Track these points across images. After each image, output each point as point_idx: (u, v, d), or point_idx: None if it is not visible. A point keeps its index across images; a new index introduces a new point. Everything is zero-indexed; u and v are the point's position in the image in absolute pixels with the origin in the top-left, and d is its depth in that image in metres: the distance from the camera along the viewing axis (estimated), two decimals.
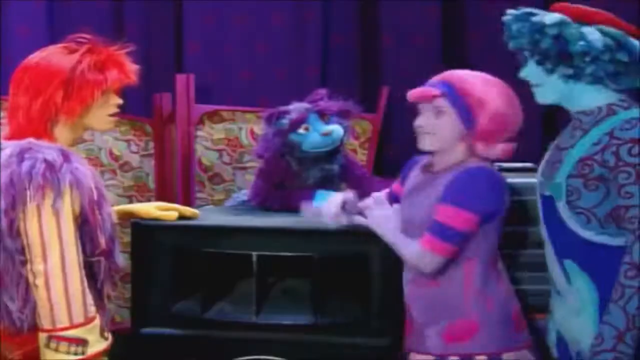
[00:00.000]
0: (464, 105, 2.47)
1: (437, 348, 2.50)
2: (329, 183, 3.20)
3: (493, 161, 2.55)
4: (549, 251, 2.41)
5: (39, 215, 2.30)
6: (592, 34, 2.26)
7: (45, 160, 2.31)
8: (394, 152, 3.95)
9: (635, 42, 2.28)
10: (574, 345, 2.39)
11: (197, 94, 3.91)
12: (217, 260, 2.84)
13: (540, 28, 2.29)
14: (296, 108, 3.17)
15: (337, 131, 3.15)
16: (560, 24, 2.27)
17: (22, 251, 2.33)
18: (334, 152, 3.19)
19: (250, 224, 2.94)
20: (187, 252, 2.88)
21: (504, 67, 4.00)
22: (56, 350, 2.30)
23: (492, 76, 2.54)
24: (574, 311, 2.36)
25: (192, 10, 4.04)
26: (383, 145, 3.98)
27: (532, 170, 3.01)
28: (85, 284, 2.34)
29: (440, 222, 2.42)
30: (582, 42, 2.25)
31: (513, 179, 2.87)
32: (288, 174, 3.20)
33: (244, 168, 3.95)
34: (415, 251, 2.46)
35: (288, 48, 4.06)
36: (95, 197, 2.40)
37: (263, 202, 3.19)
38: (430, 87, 2.52)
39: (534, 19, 2.31)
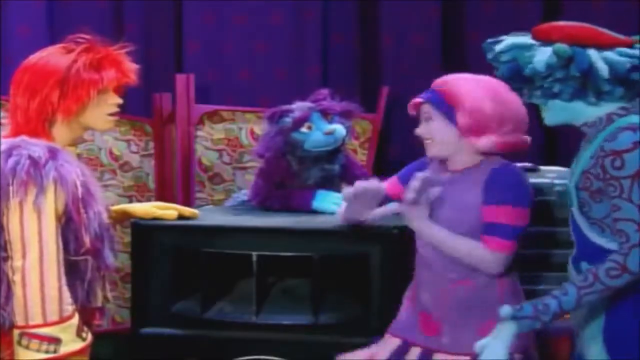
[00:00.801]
0: (446, 106, 2.51)
1: (467, 347, 2.41)
2: (330, 183, 3.20)
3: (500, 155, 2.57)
4: (573, 251, 2.41)
5: (21, 212, 2.29)
6: (542, 54, 2.26)
7: (30, 157, 2.30)
8: (394, 152, 3.96)
9: (586, 55, 2.24)
10: (581, 345, 2.39)
11: (197, 94, 3.92)
12: (217, 260, 2.84)
13: (496, 56, 2.34)
14: (299, 107, 3.18)
15: (339, 130, 3.15)
16: (511, 48, 2.30)
17: (4, 247, 2.32)
18: (335, 152, 3.19)
19: (250, 224, 2.94)
20: (187, 252, 2.88)
21: None
22: (27, 347, 2.27)
23: (489, 76, 2.55)
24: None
25: (192, 10, 4.04)
26: (383, 145, 3.99)
27: (532, 171, 3.01)
28: (63, 282, 2.31)
29: (496, 223, 2.46)
30: (530, 65, 2.27)
31: None
32: (288, 174, 3.20)
33: (244, 168, 3.96)
34: (480, 253, 2.48)
35: (288, 48, 4.06)
36: (81, 195, 2.37)
37: (263, 201, 3.19)
38: (417, 98, 2.57)
39: (495, 47, 2.35)
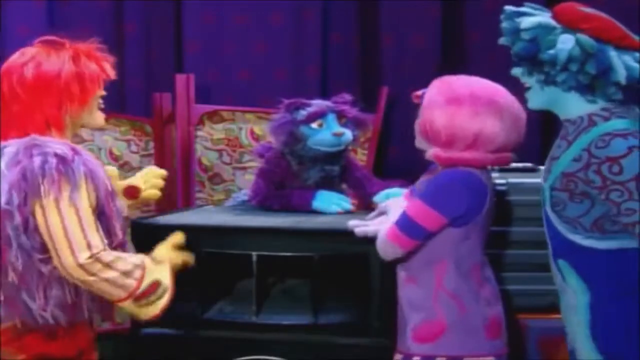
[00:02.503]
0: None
1: (405, 346, 2.52)
2: (330, 184, 3.20)
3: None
4: (549, 249, 2.41)
5: (59, 209, 2.31)
6: (565, 42, 2.22)
7: (56, 154, 2.32)
8: (394, 152, 3.96)
9: (608, 56, 2.22)
10: (571, 341, 2.40)
11: (197, 94, 3.92)
12: (217, 260, 2.84)
13: (517, 30, 2.28)
14: (317, 103, 3.19)
15: (347, 135, 3.16)
16: (536, 28, 2.25)
17: (40, 249, 2.34)
18: (336, 155, 3.19)
19: (250, 224, 2.94)
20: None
21: (504, 67, 4.00)
22: (149, 304, 2.44)
23: (492, 82, 2.54)
24: (572, 307, 2.36)
25: (192, 10, 4.05)
26: (383, 145, 3.99)
27: (532, 171, 3.01)
28: (117, 253, 2.40)
29: (408, 215, 2.44)
30: (551, 51, 2.22)
31: (512, 179, 2.88)
32: (288, 174, 3.20)
33: (244, 168, 3.96)
34: (380, 237, 2.50)
35: (288, 48, 4.06)
36: (110, 188, 2.43)
37: (263, 201, 3.19)
38: (420, 90, 2.57)
39: (517, 19, 2.29)
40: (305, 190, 3.14)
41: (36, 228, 2.33)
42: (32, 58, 2.46)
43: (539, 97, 2.35)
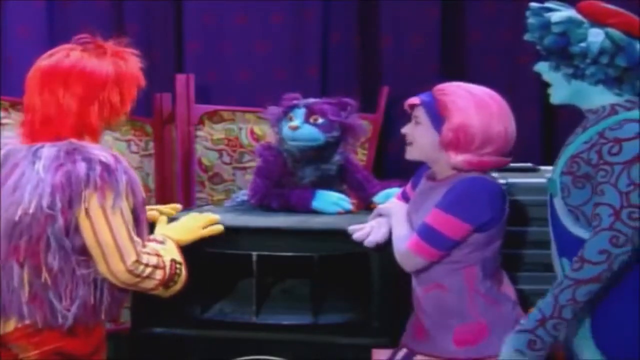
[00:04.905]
0: (437, 116, 2.51)
1: (447, 351, 2.51)
2: (328, 183, 3.19)
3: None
4: (553, 250, 2.41)
5: (106, 217, 2.35)
6: (596, 36, 2.25)
7: (101, 162, 2.35)
8: (394, 152, 3.96)
9: (637, 49, 2.26)
10: (569, 342, 2.39)
11: (197, 94, 3.91)
12: (217, 260, 2.84)
13: (547, 24, 2.30)
14: (289, 97, 3.21)
15: (308, 131, 3.10)
16: (566, 22, 2.27)
17: (80, 251, 2.38)
18: (322, 154, 3.17)
19: (250, 224, 2.94)
20: (187, 252, 2.87)
21: (503, 67, 4.01)
22: (174, 284, 2.54)
23: (489, 92, 2.54)
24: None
25: (192, 10, 4.04)
26: (383, 145, 3.98)
27: (532, 171, 3.01)
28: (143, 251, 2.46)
29: (431, 226, 2.45)
30: (582, 44, 2.25)
31: (512, 179, 2.88)
32: (285, 172, 3.19)
33: (244, 168, 3.96)
34: (401, 248, 2.50)
35: (288, 48, 4.06)
36: (144, 195, 2.49)
37: (262, 200, 3.18)
38: (415, 97, 2.57)
39: (546, 14, 2.31)
40: (305, 190, 3.14)
41: (77, 230, 2.36)
42: (77, 61, 2.45)
43: (564, 91, 2.36)
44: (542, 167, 3.09)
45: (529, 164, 3.04)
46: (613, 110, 2.30)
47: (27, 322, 2.41)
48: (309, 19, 4.03)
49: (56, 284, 2.39)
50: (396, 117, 3.90)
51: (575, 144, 2.31)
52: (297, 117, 3.12)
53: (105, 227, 2.35)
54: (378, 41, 4.04)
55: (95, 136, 2.46)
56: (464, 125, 2.46)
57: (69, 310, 2.40)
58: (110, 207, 2.34)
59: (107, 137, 3.91)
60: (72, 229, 2.36)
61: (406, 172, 2.97)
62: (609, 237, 2.18)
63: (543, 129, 3.86)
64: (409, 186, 2.81)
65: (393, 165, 3.91)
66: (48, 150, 2.38)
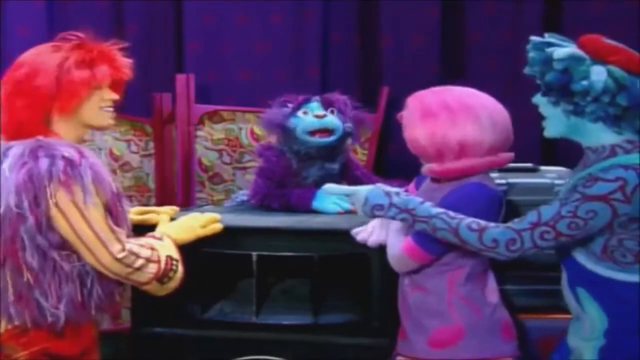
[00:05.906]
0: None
1: (423, 353, 2.52)
2: (329, 183, 3.19)
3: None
4: (563, 278, 2.40)
5: (79, 210, 2.34)
6: (598, 74, 2.22)
7: (64, 157, 2.33)
8: (394, 152, 3.96)
9: (638, 88, 2.23)
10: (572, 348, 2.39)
11: (197, 94, 3.92)
12: (217, 260, 2.84)
13: (548, 60, 2.27)
14: (291, 98, 3.21)
15: (332, 121, 3.13)
16: (568, 59, 2.24)
17: (59, 246, 2.37)
18: (334, 150, 3.18)
19: (250, 224, 2.94)
20: (188, 252, 2.88)
21: (503, 67, 4.01)
22: (170, 280, 2.52)
23: (462, 87, 2.54)
24: (586, 338, 2.34)
25: (192, 10, 4.04)
26: (383, 145, 3.99)
27: (532, 171, 3.01)
28: (133, 242, 2.46)
29: (427, 233, 2.43)
30: (584, 82, 2.22)
31: (512, 179, 2.88)
32: (288, 172, 3.19)
33: (244, 168, 3.96)
34: (393, 249, 2.50)
35: (288, 48, 4.06)
36: (115, 190, 2.44)
37: (262, 200, 3.18)
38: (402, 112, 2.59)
39: (548, 49, 2.28)
40: (305, 190, 3.14)
41: (51, 227, 2.34)
42: (33, 56, 2.45)
43: (561, 126, 2.34)
44: (542, 167, 3.09)
45: (529, 164, 3.03)
46: (613, 151, 2.28)
47: (17, 322, 2.41)
48: (309, 19, 4.03)
49: (39, 283, 2.38)
50: (396, 117, 3.91)
51: (574, 178, 2.32)
52: (315, 109, 3.14)
53: (81, 221, 2.34)
54: (378, 41, 4.04)
55: (37, 132, 2.41)
56: (411, 139, 2.52)
57: (57, 308, 2.38)
58: (82, 202, 2.33)
59: (107, 137, 3.92)
60: (44, 226, 2.34)
61: (406, 172, 2.98)
62: (509, 236, 2.24)
63: (543, 129, 3.86)
64: (412, 185, 2.81)
65: (393, 165, 3.91)
66: (16, 149, 2.37)
